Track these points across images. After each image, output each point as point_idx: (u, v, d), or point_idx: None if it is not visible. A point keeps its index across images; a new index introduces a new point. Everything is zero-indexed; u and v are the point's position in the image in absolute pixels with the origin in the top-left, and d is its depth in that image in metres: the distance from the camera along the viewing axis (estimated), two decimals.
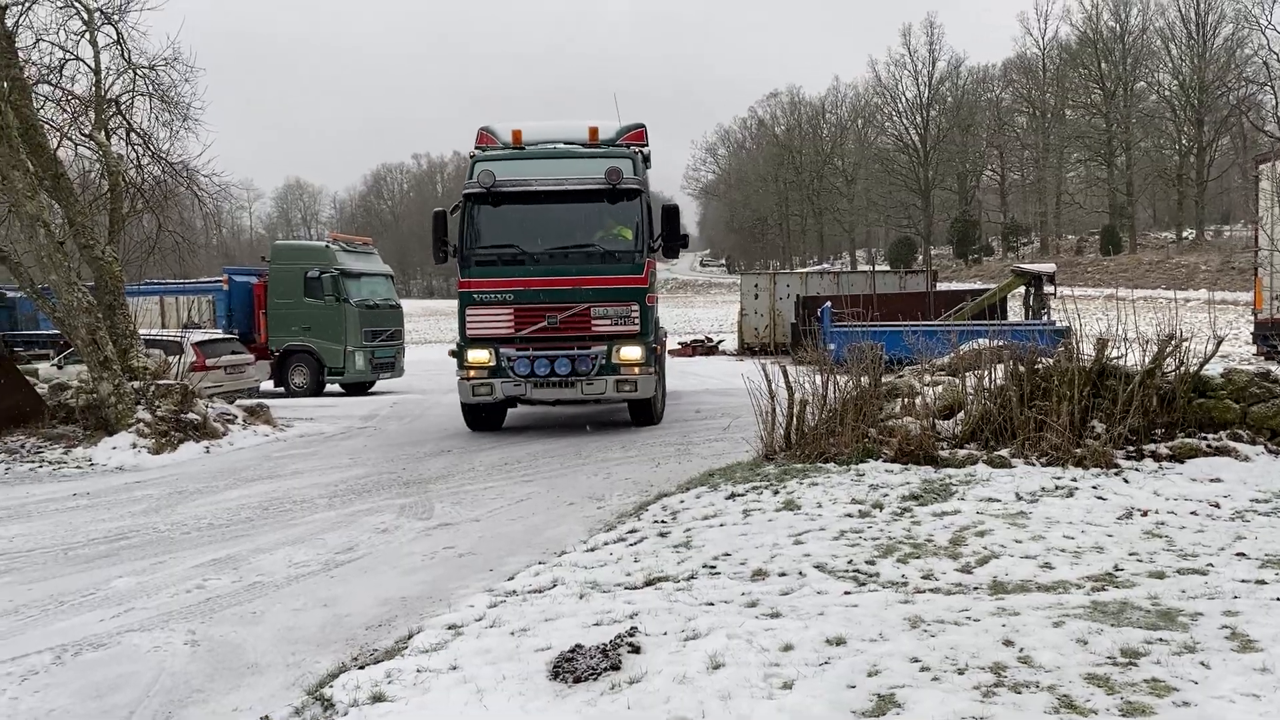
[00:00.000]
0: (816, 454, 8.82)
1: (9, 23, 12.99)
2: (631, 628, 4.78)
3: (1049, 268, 28.52)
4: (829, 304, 25.20)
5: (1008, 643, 4.37)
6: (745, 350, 33.51)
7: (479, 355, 12.60)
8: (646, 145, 13.73)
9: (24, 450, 12.03)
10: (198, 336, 18.68)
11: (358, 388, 23.18)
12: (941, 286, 38.51)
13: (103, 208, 14.73)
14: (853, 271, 49.06)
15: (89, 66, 14.92)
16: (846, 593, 5.29)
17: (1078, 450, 7.98)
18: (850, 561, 5.86)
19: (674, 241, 12.90)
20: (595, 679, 4.25)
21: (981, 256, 75.70)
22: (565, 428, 13.97)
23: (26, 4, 13.76)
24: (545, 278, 12.56)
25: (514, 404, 13.66)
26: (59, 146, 14.29)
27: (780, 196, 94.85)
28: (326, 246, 23.10)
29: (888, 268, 62.93)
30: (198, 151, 26.22)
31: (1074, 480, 7.58)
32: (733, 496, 7.73)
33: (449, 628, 5.09)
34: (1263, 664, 3.99)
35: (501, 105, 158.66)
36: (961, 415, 8.70)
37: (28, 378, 13.63)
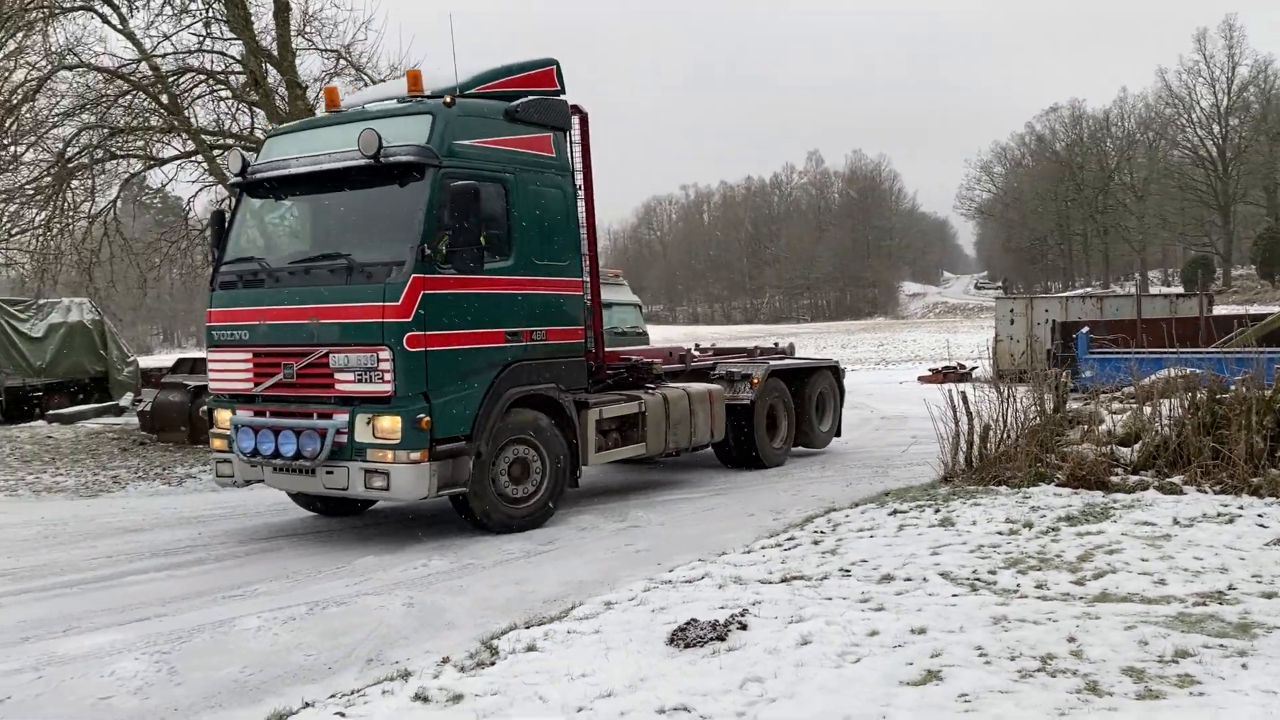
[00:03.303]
0: (992, 477, 9.17)
1: (310, 96, 15.57)
2: (743, 610, 5.63)
3: None
4: (1086, 329, 24.42)
5: (1070, 639, 4.84)
6: (1000, 377, 32.71)
7: (222, 417, 8.93)
8: (556, 98, 9.58)
9: None
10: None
11: None
12: (1220, 310, 35.77)
13: None
14: (1118, 295, 46.29)
15: None
16: (954, 595, 5.85)
17: (1255, 480, 7.93)
18: (974, 571, 6.36)
19: (468, 245, 8.09)
20: (701, 645, 5.14)
21: None
22: None
23: (327, 78, 16.42)
24: (280, 307, 8.53)
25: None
26: None
27: (1060, 215, 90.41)
28: None
29: (1181, 290, 58.59)
30: None
31: (1241, 509, 7.57)
32: (894, 513, 8.29)
33: (605, 603, 6.12)
34: None
35: (764, 134, 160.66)
36: (1139, 444, 8.79)
37: None
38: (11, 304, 20.64)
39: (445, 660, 5.21)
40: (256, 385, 8.59)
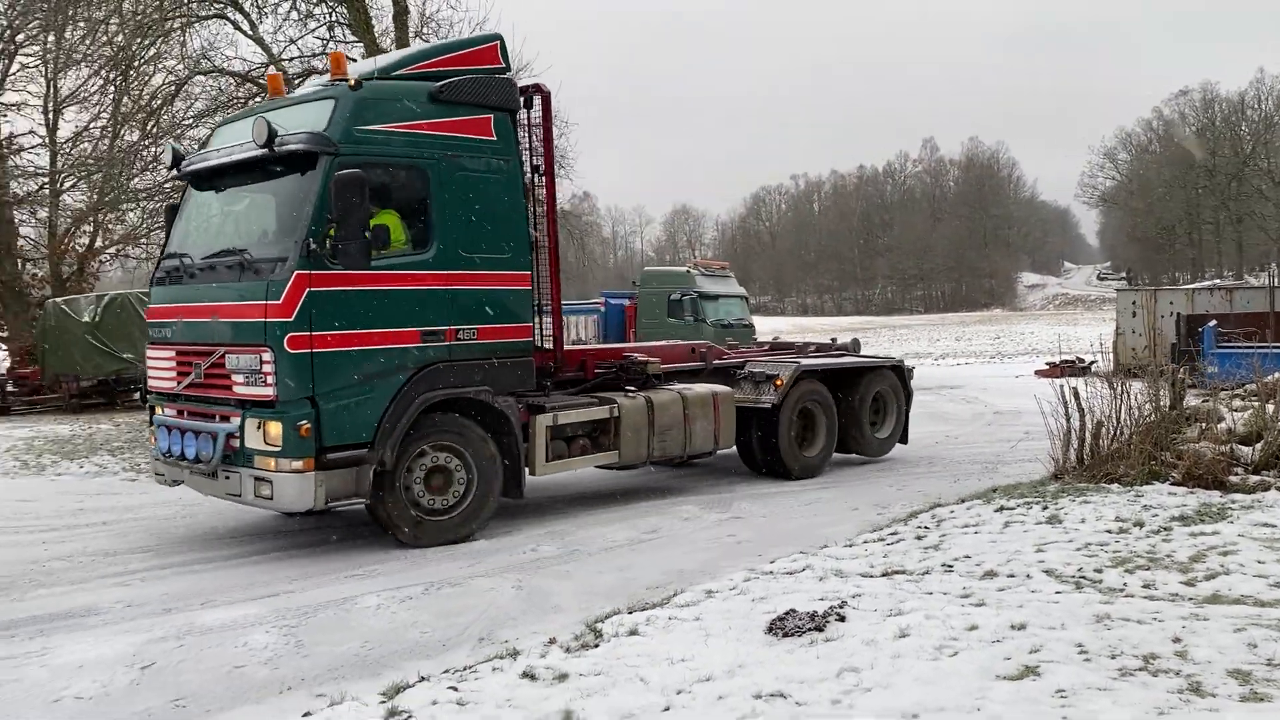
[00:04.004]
0: (1103, 475, 8.99)
1: None
2: (843, 602, 5.71)
3: None
4: (1213, 323, 23.49)
5: (1175, 639, 4.79)
6: (1120, 372, 31.64)
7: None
8: (497, 76, 8.82)
9: None
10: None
11: None
12: None
13: None
14: (1250, 287, 44.12)
15: None
16: (1057, 592, 5.81)
17: None
18: (1079, 569, 6.29)
19: (352, 239, 7.45)
20: (799, 635, 5.24)
21: None
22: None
23: None
24: (191, 304, 8.26)
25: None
26: None
27: (1190, 203, 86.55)
28: (688, 271, 25.29)
29: None
30: (575, 193, 29.59)
31: None
32: (1001, 510, 8.21)
33: (706, 592, 6.27)
34: None
35: (878, 123, 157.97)
36: (1260, 443, 8.50)
37: None
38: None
39: (552, 641, 5.44)
40: (177, 384, 8.33)
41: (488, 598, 6.56)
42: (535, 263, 9.14)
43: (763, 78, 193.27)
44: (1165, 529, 7.16)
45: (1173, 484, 8.51)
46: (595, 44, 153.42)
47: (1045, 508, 8.10)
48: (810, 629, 5.29)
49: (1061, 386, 9.95)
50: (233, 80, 16.54)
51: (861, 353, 13.29)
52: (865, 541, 7.52)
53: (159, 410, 8.63)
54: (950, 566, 6.55)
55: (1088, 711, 4.00)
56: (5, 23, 22.92)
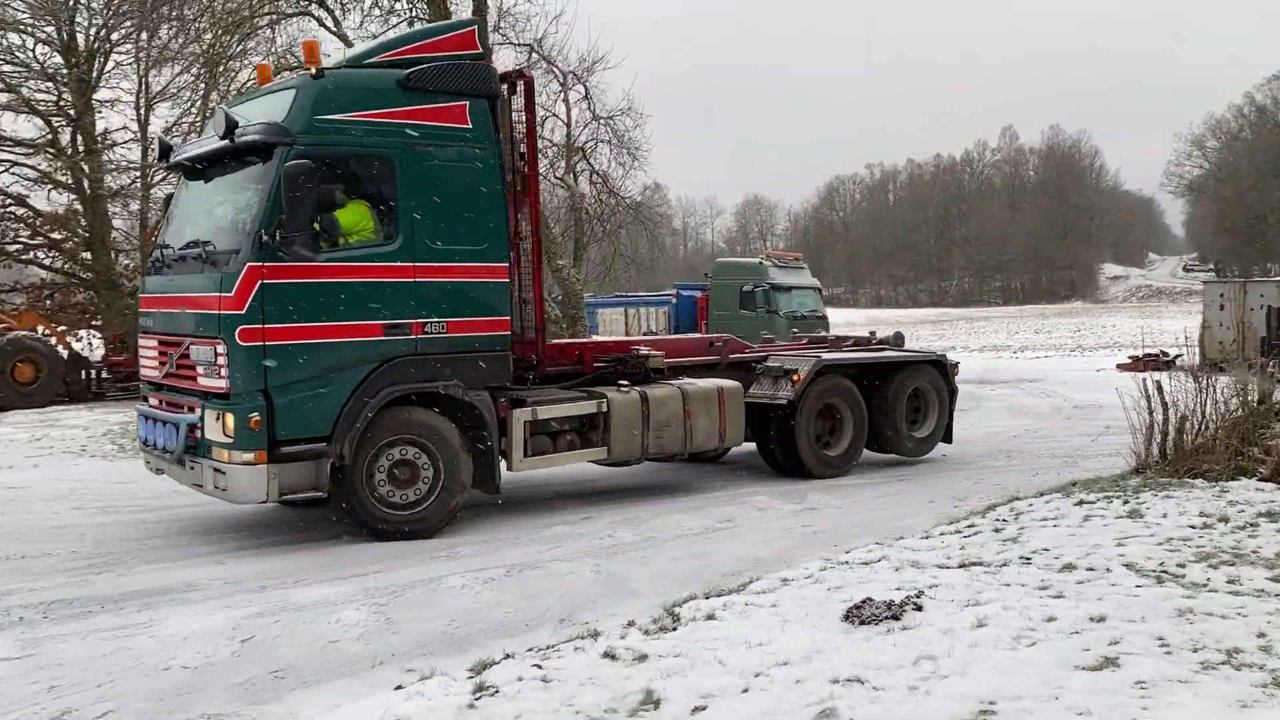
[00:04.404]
0: (1187, 470, 8.84)
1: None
2: (919, 592, 5.75)
3: None
4: None
5: (1260, 634, 4.75)
6: (1207, 366, 30.74)
7: None
8: (471, 63, 8.49)
9: None
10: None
11: None
12: None
13: (569, 236, 17.81)
14: None
15: (562, 121, 18.16)
16: (1138, 586, 5.77)
17: None
18: (1161, 564, 6.23)
19: (299, 230, 7.40)
20: (876, 623, 5.30)
21: None
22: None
23: None
24: (166, 295, 8.45)
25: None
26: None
27: None
28: (760, 263, 25.30)
29: None
30: (646, 184, 29.75)
31: None
32: (1081, 503, 8.14)
33: (781, 580, 6.35)
34: None
35: (955, 111, 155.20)
36: None
37: None
38: None
39: (630, 624, 5.58)
40: (158, 373, 8.49)
41: (567, 581, 6.73)
42: (517, 254, 8.90)
43: (837, 65, 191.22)
44: (1252, 525, 7.05)
45: (1260, 480, 8.34)
46: (669, 32, 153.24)
47: (1126, 502, 8.01)
48: (887, 617, 5.34)
49: (1144, 380, 9.78)
50: None
51: (905, 346, 12.68)
52: (942, 533, 7.52)
53: (149, 399, 8.81)
54: (1028, 559, 6.53)
55: (1168, 703, 4.00)
56: (101, 22, 23.81)
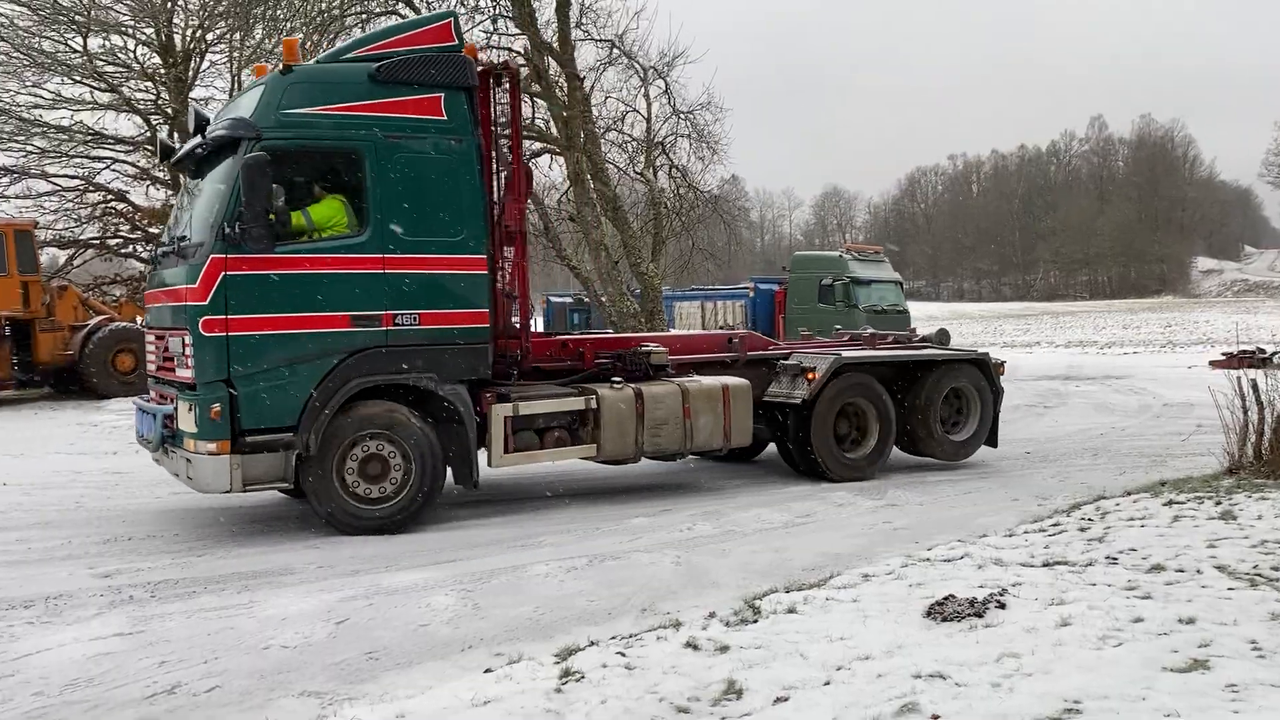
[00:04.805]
0: None
1: (586, 86, 16.50)
2: (1002, 589, 5.72)
3: None
4: None
5: None
6: None
7: None
8: (446, 54, 8.37)
9: None
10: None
11: None
12: None
13: (648, 231, 17.93)
14: None
15: (642, 115, 18.29)
16: (1229, 589, 5.66)
17: None
18: (1255, 566, 6.10)
19: (255, 223, 7.48)
20: (958, 620, 5.31)
21: None
22: (1026, 437, 14.21)
23: (601, 69, 17.34)
24: (155, 289, 8.85)
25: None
26: (618, 183, 17.78)
27: None
28: (840, 256, 25.12)
29: None
30: (725, 178, 29.75)
31: None
32: (1170, 504, 7.98)
33: (862, 575, 6.37)
34: None
35: (1042, 101, 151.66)
36: None
37: None
38: None
39: (712, 615, 5.67)
40: (153, 366, 8.76)
41: (649, 571, 6.84)
42: (500, 247, 8.82)
43: (920, 53, 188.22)
44: None
45: None
46: (750, 21, 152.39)
47: (1218, 503, 7.83)
48: (969, 614, 5.34)
49: (1239, 378, 9.53)
50: None
51: (952, 344, 12.21)
52: (1026, 532, 7.45)
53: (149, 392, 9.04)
54: (1115, 559, 6.44)
55: (1260, 706, 3.95)
56: (197, 23, 24.64)
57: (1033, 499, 9.13)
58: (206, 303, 7.54)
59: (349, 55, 8.40)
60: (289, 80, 7.93)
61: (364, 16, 16.78)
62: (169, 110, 24.33)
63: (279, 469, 7.80)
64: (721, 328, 26.84)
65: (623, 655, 4.95)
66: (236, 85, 25.18)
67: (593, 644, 5.21)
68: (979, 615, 5.33)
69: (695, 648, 5.02)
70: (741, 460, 11.76)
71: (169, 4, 24.26)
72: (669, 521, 8.47)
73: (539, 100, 17.07)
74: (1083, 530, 7.34)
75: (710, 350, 10.55)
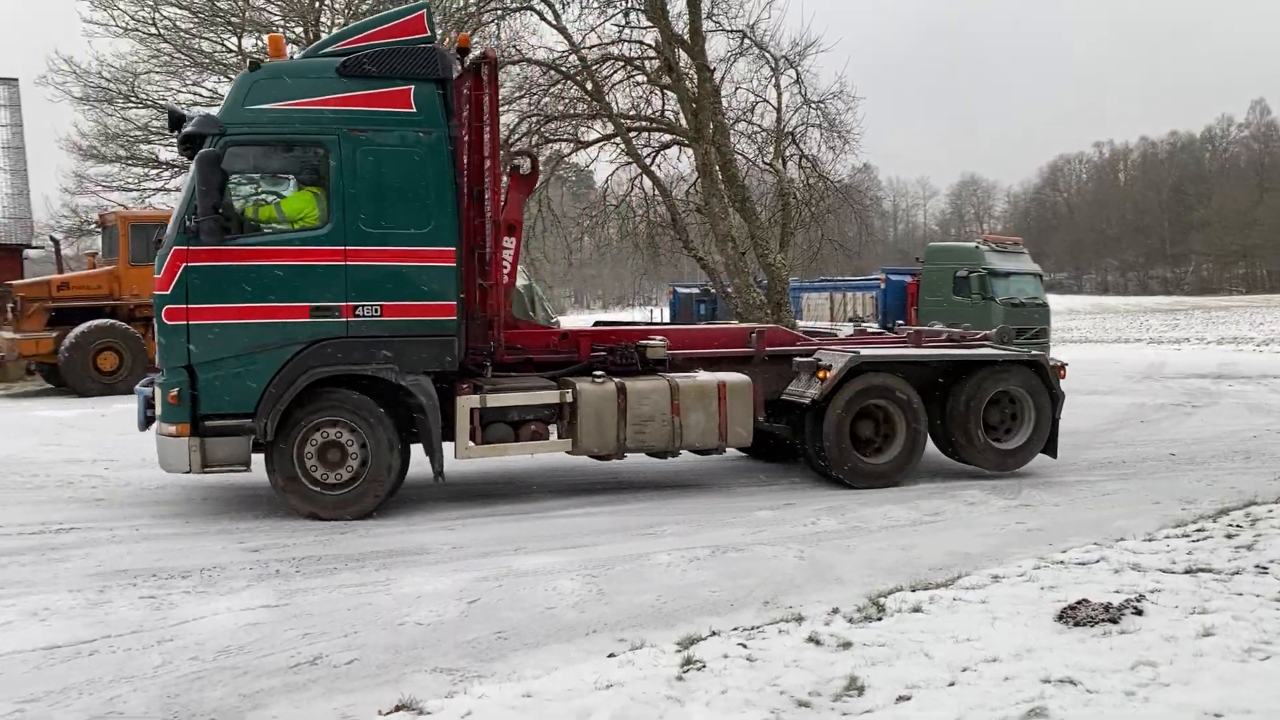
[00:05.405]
0: None
1: (716, 78, 16.49)
2: (1140, 596, 5.53)
3: None
4: None
5: None
6: None
7: None
8: (415, 46, 8.38)
9: None
10: (847, 329, 21.21)
11: None
12: None
13: (776, 222, 17.81)
14: None
15: (772, 106, 18.16)
16: None
17: None
18: None
19: (205, 216, 7.72)
20: (1092, 625, 5.16)
21: None
22: (1165, 438, 13.55)
23: (732, 59, 17.30)
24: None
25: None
26: (746, 174, 17.71)
27: None
28: (976, 247, 24.38)
29: None
30: (856, 166, 29.22)
31: None
32: None
33: (992, 576, 6.26)
34: None
35: (1195, 86, 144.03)
36: None
37: None
38: None
39: (835, 611, 5.65)
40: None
41: (771, 564, 6.84)
42: (469, 239, 8.74)
43: (1062, 37, 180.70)
44: None
45: None
46: (884, 7, 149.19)
47: None
48: (1104, 620, 5.19)
49: None
50: (537, 68, 17.63)
51: (1010, 344, 10.98)
52: (1167, 537, 7.18)
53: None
54: (1265, 568, 6.15)
55: None
56: (343, 21, 25.59)
57: (1176, 503, 8.74)
58: (169, 292, 7.93)
59: (326, 51, 8.56)
60: (256, 76, 8.15)
61: (500, 14, 17.13)
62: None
63: (241, 453, 8.08)
64: (850, 320, 26.45)
65: (744, 647, 4.99)
66: None
67: (714, 634, 5.27)
68: (1114, 621, 5.18)
69: (818, 643, 5.02)
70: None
71: (316, 4, 25.28)
72: (792, 515, 8.44)
73: (669, 92, 17.16)
74: (1230, 537, 7.03)
75: (725, 345, 10.18)
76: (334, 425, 8.25)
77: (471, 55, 9.06)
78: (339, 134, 8.15)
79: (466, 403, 8.54)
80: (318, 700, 4.60)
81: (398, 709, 4.41)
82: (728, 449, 9.65)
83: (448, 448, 8.59)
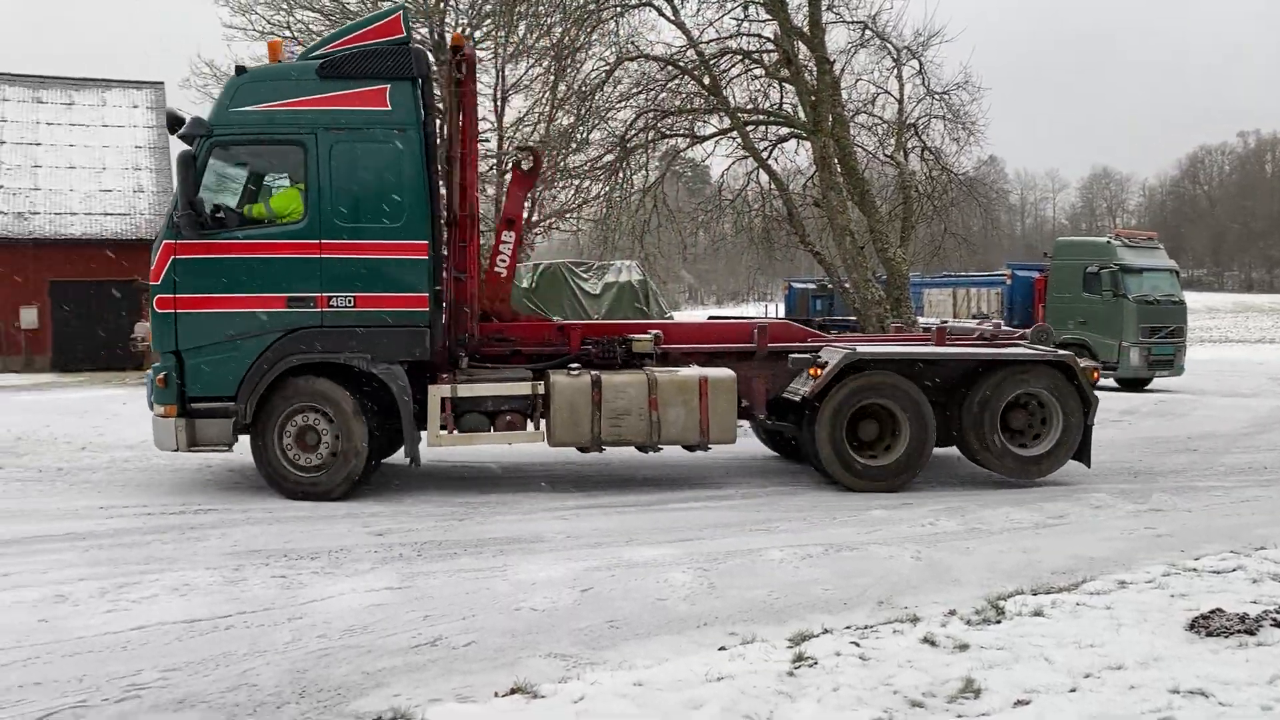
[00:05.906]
0: None
1: (836, 70, 16.26)
2: None
3: None
4: None
5: None
6: None
7: None
8: (390, 47, 8.76)
9: None
10: (968, 326, 20.66)
11: (1132, 384, 23.10)
12: None
13: (897, 216, 17.46)
14: None
15: (894, 97, 17.80)
16: None
17: None
18: None
19: (186, 209, 8.30)
20: (1226, 636, 4.95)
21: None
22: None
23: (852, 51, 17.03)
24: None
25: None
26: (866, 167, 17.40)
27: None
28: (1108, 242, 23.41)
29: None
30: (982, 159, 28.37)
31: None
32: None
33: (1119, 582, 6.05)
34: None
35: None
36: None
37: None
38: (577, 265, 24.31)
39: (952, 612, 5.55)
40: None
41: (886, 564, 6.74)
42: (434, 230, 8.87)
43: (1203, 23, 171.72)
44: None
45: None
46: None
47: None
48: (1239, 630, 4.97)
49: None
50: (655, 64, 17.70)
51: (1046, 344, 10.16)
52: None
53: None
54: None
55: None
56: (466, 21, 26.16)
57: None
58: (159, 283, 8.57)
59: (314, 54, 8.99)
60: (241, 80, 8.76)
61: (619, 11, 17.25)
62: (439, 106, 25.98)
63: (224, 434, 8.66)
64: (974, 316, 25.75)
65: (857, 645, 4.95)
66: (500, 80, 26.61)
67: (826, 632, 5.24)
68: (1250, 633, 4.95)
69: (933, 644, 4.94)
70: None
71: (442, 4, 25.90)
72: (909, 515, 8.30)
73: (787, 85, 16.99)
74: None
75: (726, 340, 10.06)
76: (310, 411, 8.71)
77: (442, 54, 9.43)
78: (316, 132, 8.61)
79: (438, 392, 8.86)
80: (436, 680, 4.74)
81: (513, 691, 4.51)
82: (711, 446, 9.41)
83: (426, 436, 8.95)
